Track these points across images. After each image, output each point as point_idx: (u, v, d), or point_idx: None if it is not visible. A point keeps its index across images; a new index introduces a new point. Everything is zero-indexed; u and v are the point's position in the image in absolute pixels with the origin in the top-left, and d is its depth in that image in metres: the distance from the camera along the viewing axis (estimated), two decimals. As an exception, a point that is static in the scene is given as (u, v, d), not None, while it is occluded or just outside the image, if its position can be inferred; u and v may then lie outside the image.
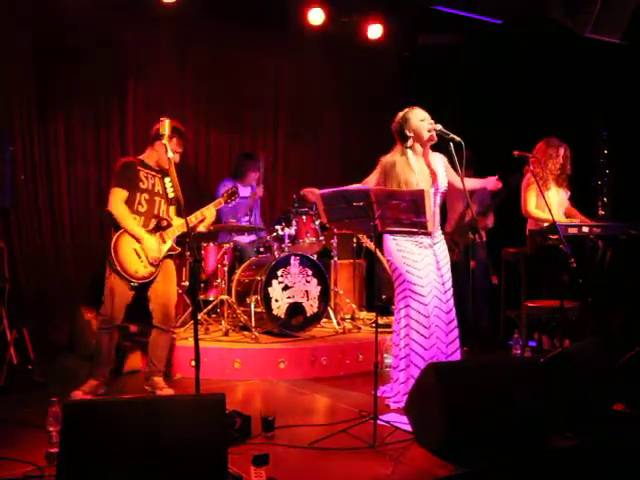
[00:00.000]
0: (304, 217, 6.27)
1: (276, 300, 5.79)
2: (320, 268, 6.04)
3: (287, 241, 6.09)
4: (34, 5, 6.05)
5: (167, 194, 4.73)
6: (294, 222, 6.20)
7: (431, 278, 4.34)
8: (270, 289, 5.76)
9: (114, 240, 4.52)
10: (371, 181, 4.43)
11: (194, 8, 6.57)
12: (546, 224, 5.30)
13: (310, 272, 5.98)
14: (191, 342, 5.34)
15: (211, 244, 6.33)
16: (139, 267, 4.55)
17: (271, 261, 5.83)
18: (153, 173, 4.74)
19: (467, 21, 6.62)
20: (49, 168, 6.35)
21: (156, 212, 4.70)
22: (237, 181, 6.72)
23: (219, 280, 6.08)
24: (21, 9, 5.99)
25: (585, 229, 5.30)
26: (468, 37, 7.24)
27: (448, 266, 4.49)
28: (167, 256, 4.70)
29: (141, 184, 4.65)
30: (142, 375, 5.01)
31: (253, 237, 6.80)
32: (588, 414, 3.84)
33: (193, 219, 4.74)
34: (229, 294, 6.01)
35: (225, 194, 5.04)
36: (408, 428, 3.74)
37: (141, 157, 4.79)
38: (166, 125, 3.77)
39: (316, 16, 7.02)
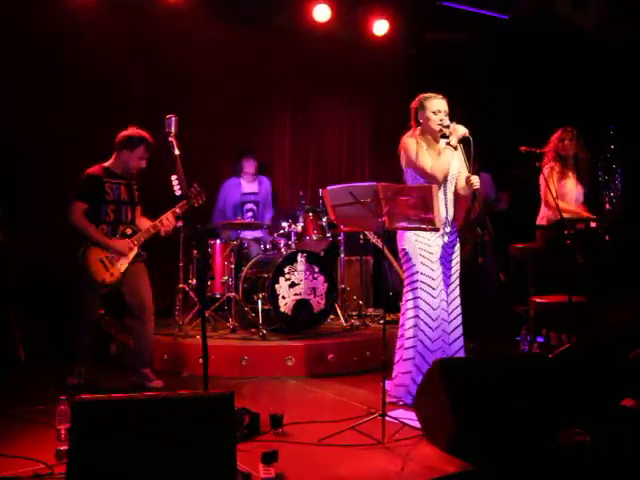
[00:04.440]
0: (311, 214, 6.26)
1: (283, 297, 5.78)
2: (327, 265, 6.03)
3: (294, 238, 6.09)
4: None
5: (134, 200, 4.95)
6: (301, 219, 6.20)
7: (441, 271, 4.33)
8: (277, 286, 5.76)
9: (81, 253, 4.72)
10: (425, 161, 4.29)
11: (200, 7, 6.56)
12: (565, 215, 5.25)
13: (317, 269, 5.97)
14: (199, 339, 5.35)
15: (218, 241, 6.32)
16: (106, 276, 4.77)
17: (278, 258, 5.83)
18: (118, 182, 4.88)
19: (474, 17, 6.60)
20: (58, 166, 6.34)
21: (123, 219, 4.88)
22: (240, 177, 6.74)
23: (226, 277, 6.08)
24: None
25: (593, 224, 5.28)
26: (475, 33, 7.21)
27: (458, 259, 4.47)
28: (135, 261, 4.88)
29: (107, 196, 4.81)
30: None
31: (259, 233, 6.79)
32: (598, 410, 3.82)
33: (151, 229, 4.87)
34: (236, 291, 6.01)
35: (192, 195, 4.88)
36: (417, 425, 3.73)
37: (106, 165, 4.90)
38: (173, 122, 3.76)
39: (322, 13, 7.01)
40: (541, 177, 5.66)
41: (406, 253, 4.36)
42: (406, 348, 4.35)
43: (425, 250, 4.30)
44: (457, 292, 4.44)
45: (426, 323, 4.26)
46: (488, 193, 6.52)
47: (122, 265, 4.79)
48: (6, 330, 5.13)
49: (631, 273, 5.58)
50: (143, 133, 4.85)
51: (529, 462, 3.34)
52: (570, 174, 5.62)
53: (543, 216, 5.77)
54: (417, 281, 4.29)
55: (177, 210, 4.87)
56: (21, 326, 5.18)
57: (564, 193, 5.59)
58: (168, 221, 4.86)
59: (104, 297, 5.04)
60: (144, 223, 4.96)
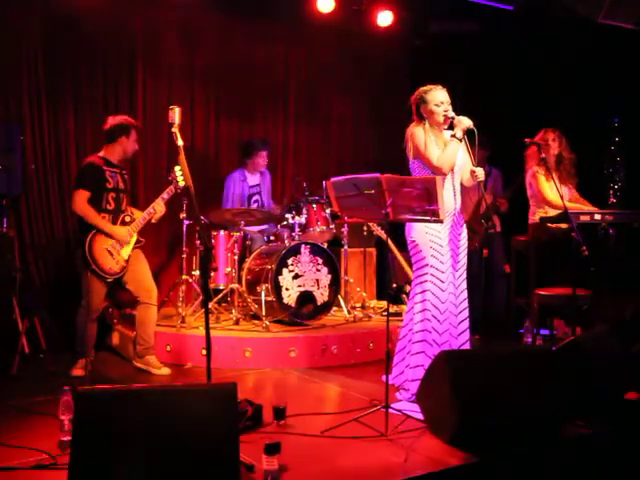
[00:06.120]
0: (314, 205, 6.23)
1: (287, 289, 5.78)
2: (331, 256, 6.02)
3: (297, 229, 6.07)
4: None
5: (127, 188, 5.12)
6: (304, 210, 6.18)
7: (450, 264, 4.28)
8: (280, 278, 5.75)
9: (88, 241, 4.81)
10: (433, 152, 4.24)
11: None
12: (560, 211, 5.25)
13: (320, 261, 5.96)
14: (202, 331, 5.34)
15: (221, 232, 6.31)
16: (112, 264, 4.90)
17: (281, 250, 5.82)
18: (116, 170, 5.02)
19: (479, 8, 6.57)
20: (59, 156, 6.33)
21: (122, 207, 5.04)
22: (245, 170, 6.71)
23: (229, 269, 6.07)
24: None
25: (597, 217, 5.25)
26: (480, 25, 7.17)
27: (466, 251, 4.43)
28: (134, 248, 5.06)
29: (107, 184, 4.94)
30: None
31: (264, 226, 6.77)
32: (601, 403, 3.82)
33: (146, 215, 5.06)
34: (239, 283, 5.99)
35: (175, 182, 5.05)
36: (420, 416, 3.73)
37: (102, 155, 5.03)
38: (176, 113, 3.74)
39: (325, 4, 6.97)
40: (529, 177, 5.70)
41: (416, 245, 4.29)
42: (414, 342, 4.28)
43: (436, 242, 4.23)
44: (464, 285, 4.41)
45: (434, 316, 4.21)
46: (497, 189, 6.54)
47: (125, 252, 4.95)
48: (10, 321, 5.13)
49: (635, 266, 5.58)
50: (128, 118, 5.09)
51: (531, 454, 3.34)
52: (552, 176, 5.60)
53: (534, 212, 5.79)
54: (426, 274, 4.24)
55: (165, 196, 5.08)
56: (25, 317, 5.19)
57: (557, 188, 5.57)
58: (160, 207, 5.06)
59: (109, 289, 5.07)
60: (135, 211, 5.15)
